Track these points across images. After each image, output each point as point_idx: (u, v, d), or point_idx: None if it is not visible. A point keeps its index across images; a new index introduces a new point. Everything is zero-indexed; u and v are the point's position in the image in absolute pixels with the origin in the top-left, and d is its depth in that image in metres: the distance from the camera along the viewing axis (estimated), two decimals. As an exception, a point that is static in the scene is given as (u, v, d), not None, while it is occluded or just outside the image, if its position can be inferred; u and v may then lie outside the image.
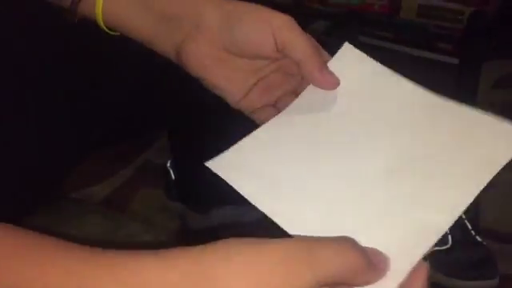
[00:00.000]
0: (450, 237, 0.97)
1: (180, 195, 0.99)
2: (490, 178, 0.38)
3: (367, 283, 0.32)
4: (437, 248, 0.97)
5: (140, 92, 0.63)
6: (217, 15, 0.45)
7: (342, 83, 0.44)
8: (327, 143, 0.42)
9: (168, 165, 1.08)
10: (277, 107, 0.47)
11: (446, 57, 1.45)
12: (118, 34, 0.50)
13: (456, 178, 0.39)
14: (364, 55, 0.46)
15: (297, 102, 0.45)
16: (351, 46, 0.46)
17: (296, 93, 0.47)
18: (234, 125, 0.50)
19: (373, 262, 0.32)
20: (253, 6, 0.45)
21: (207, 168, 0.86)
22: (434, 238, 0.35)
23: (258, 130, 0.43)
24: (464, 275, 0.93)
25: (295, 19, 0.45)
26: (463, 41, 1.19)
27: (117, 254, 0.31)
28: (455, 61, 1.28)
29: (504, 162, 0.38)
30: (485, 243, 0.97)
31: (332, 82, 0.44)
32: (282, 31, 0.43)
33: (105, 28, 0.49)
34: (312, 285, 0.30)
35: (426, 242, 0.35)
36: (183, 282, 0.30)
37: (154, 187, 1.16)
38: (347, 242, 0.32)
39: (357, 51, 0.46)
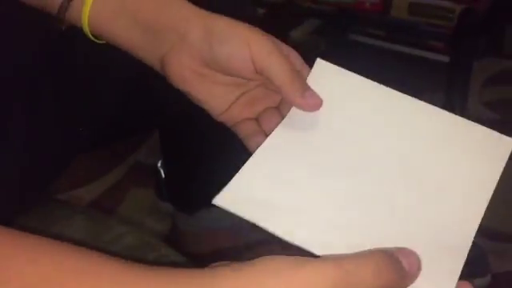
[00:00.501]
0: (441, 235, 0.97)
1: (169, 196, 0.99)
2: (494, 187, 0.40)
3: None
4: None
5: (129, 93, 0.63)
6: (199, 32, 0.45)
7: (325, 99, 0.44)
8: (327, 161, 0.42)
9: (159, 165, 1.07)
10: (259, 121, 0.47)
11: (437, 55, 1.45)
12: (105, 42, 0.50)
13: (463, 187, 0.40)
14: (338, 68, 0.46)
15: (286, 120, 0.45)
16: (324, 61, 0.46)
17: (278, 108, 0.47)
18: (224, 126, 0.50)
19: (406, 270, 0.33)
20: (236, 26, 0.44)
21: (196, 170, 0.86)
22: (469, 242, 0.38)
23: (255, 155, 0.42)
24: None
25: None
26: (454, 39, 1.19)
27: (159, 277, 0.30)
28: (446, 59, 1.28)
29: (500, 172, 0.40)
30: (476, 241, 0.97)
31: (314, 104, 0.44)
32: (260, 56, 0.43)
33: (91, 37, 0.49)
34: None
35: (463, 249, 0.37)
36: None
37: (144, 187, 1.15)
38: (383, 259, 0.32)
39: (330, 65, 0.46)
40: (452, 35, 1.19)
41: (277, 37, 0.47)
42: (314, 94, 0.44)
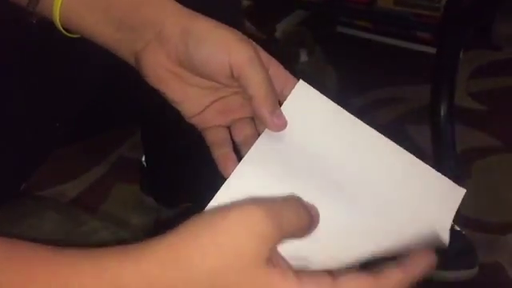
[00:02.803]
0: (428, 227, 0.97)
1: (152, 191, 0.98)
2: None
3: (305, 236, 0.37)
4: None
5: (107, 88, 0.62)
6: (176, 31, 0.43)
7: (300, 122, 0.45)
8: (298, 184, 0.42)
9: (143, 159, 1.06)
10: (231, 130, 0.47)
11: (424, 46, 1.45)
12: (78, 36, 0.48)
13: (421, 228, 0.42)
14: (318, 94, 0.46)
15: (260, 140, 0.44)
16: (306, 84, 0.46)
17: (253, 119, 0.46)
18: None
19: (314, 219, 0.37)
20: (215, 28, 0.43)
21: (178, 165, 0.85)
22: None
23: (233, 174, 0.42)
24: (443, 265, 0.93)
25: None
26: (440, 29, 1.18)
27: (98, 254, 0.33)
28: (433, 50, 1.27)
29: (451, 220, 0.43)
30: (464, 232, 0.97)
31: (279, 125, 0.43)
32: (240, 63, 0.42)
33: (63, 31, 0.48)
34: (277, 244, 0.33)
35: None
36: (162, 272, 0.32)
37: (129, 182, 1.14)
38: (302, 205, 0.37)
39: (311, 90, 0.46)
40: (438, 25, 1.18)
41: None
42: (281, 115, 0.44)
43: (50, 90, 0.57)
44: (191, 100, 0.46)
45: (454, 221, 1.12)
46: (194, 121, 0.47)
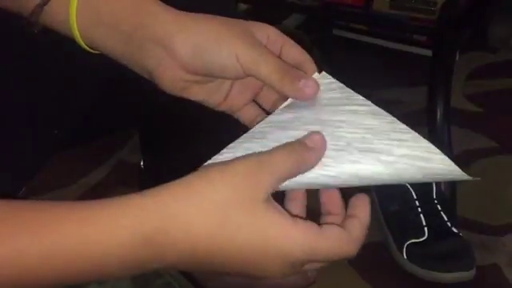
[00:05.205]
0: (426, 228, 0.97)
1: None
2: None
3: (312, 166, 0.41)
4: (413, 240, 0.97)
5: (106, 92, 0.62)
6: (189, 48, 0.45)
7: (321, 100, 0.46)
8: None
9: (142, 163, 1.07)
10: (259, 100, 0.50)
11: (420, 49, 1.45)
12: (98, 52, 0.49)
13: None
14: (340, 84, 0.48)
15: (285, 104, 0.47)
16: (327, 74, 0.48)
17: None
18: (204, 126, 0.50)
19: (311, 146, 0.41)
20: (223, 37, 0.45)
21: (176, 170, 0.85)
22: None
23: (250, 132, 0.45)
24: (440, 267, 0.93)
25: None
26: (436, 32, 1.19)
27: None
28: (429, 53, 1.28)
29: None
30: (461, 234, 0.97)
31: (308, 95, 0.45)
32: (247, 66, 0.45)
33: (87, 47, 0.48)
34: (274, 187, 0.39)
35: None
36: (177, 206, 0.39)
37: (129, 186, 1.15)
38: (291, 145, 0.41)
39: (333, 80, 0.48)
40: (434, 28, 1.19)
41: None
42: (306, 87, 0.45)
43: (50, 95, 0.58)
44: (213, 94, 0.49)
45: (450, 223, 1.12)
46: (222, 108, 0.49)
